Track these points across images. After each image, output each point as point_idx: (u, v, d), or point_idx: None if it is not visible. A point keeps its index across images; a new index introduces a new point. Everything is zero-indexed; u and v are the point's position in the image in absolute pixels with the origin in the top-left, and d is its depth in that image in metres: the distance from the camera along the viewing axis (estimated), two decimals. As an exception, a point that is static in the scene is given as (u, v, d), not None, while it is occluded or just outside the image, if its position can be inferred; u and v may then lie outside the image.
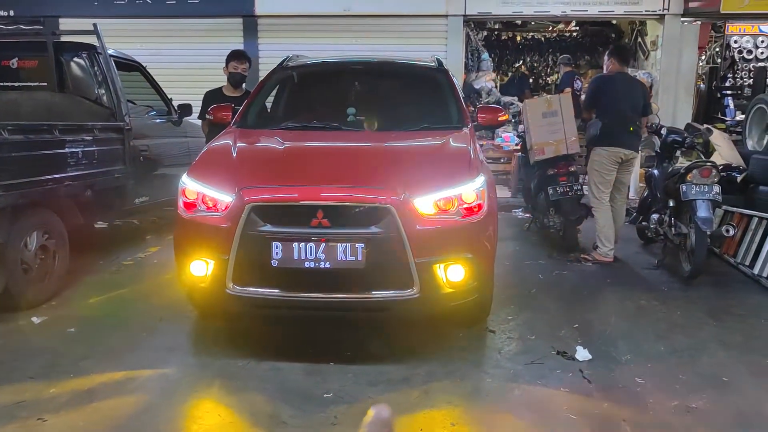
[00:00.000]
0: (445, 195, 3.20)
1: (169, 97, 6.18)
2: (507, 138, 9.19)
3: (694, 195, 4.57)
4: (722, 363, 3.37)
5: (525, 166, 6.62)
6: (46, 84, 5.06)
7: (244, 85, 5.44)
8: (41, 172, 3.98)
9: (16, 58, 5.14)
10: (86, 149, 4.42)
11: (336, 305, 3.14)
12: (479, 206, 3.28)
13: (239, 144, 3.64)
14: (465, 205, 3.24)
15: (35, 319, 3.85)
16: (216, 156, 3.58)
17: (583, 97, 5.52)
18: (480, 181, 3.31)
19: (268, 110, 4.74)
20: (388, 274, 3.11)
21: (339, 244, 3.04)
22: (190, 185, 3.34)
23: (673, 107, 9.11)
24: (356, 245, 3.03)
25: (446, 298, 3.24)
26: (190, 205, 3.33)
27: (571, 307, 4.24)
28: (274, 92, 4.79)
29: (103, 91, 5.08)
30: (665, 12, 8.87)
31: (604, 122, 5.08)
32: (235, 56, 5.33)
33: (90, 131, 4.52)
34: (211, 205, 3.24)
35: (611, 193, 5.36)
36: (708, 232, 4.50)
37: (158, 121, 5.95)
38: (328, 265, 3.05)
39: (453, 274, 3.20)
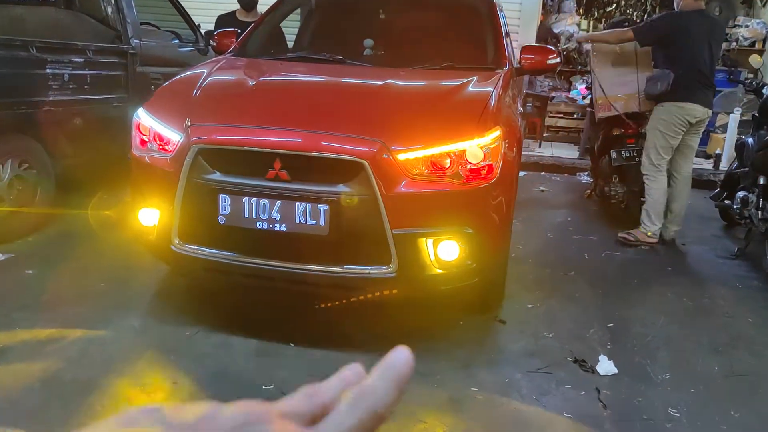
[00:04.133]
0: (441, 151, 2.50)
1: (197, 23, 5.66)
2: (584, 91, 8.12)
3: (792, 173, 3.58)
4: (796, 400, 2.55)
5: (592, 123, 5.68)
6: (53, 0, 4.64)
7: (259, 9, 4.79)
8: (11, 94, 3.58)
9: (25, -30, 4.72)
10: (73, 72, 3.97)
11: (293, 277, 2.55)
12: (489, 168, 2.56)
13: (213, 75, 3.05)
14: (469, 166, 2.53)
15: (0, 256, 3.54)
16: (179, 87, 3.00)
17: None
18: (492, 137, 2.56)
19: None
20: (358, 245, 2.49)
21: (298, 204, 2.44)
22: (144, 119, 2.81)
23: (789, 65, 7.67)
24: (318, 206, 2.42)
25: (433, 281, 2.59)
26: (144, 143, 2.82)
27: (611, 299, 3.45)
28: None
29: (111, 11, 4.60)
30: (793, -52, 7.34)
31: (678, 73, 4.06)
32: None
33: (81, 53, 4.06)
34: (161, 144, 2.71)
35: (676, 160, 4.37)
36: (804, 221, 3.53)
37: (181, 49, 5.45)
38: (284, 227, 2.47)
39: (444, 251, 2.53)
